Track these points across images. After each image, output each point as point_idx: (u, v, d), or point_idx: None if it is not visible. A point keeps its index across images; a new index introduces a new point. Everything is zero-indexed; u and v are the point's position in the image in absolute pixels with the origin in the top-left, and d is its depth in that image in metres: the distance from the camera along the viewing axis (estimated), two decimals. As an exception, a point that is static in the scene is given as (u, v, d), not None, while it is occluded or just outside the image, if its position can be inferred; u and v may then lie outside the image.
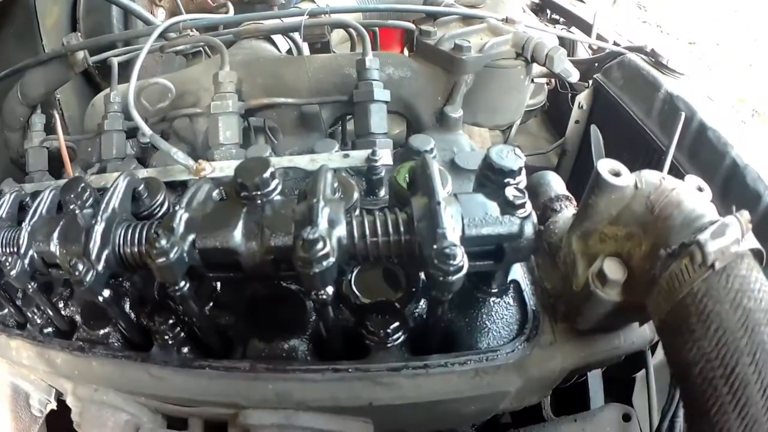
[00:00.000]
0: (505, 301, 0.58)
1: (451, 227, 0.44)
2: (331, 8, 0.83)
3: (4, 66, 1.18)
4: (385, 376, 0.50)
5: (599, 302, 0.49)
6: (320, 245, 0.39)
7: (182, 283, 0.49)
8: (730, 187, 0.84)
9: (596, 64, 1.09)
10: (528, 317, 0.57)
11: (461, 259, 0.41)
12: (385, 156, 0.64)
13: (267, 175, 0.48)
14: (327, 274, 0.41)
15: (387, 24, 0.93)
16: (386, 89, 0.75)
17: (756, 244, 0.41)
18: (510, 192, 0.47)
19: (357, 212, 0.49)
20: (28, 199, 0.68)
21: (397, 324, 0.51)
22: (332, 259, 0.40)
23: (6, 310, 0.72)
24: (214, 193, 0.57)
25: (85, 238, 0.54)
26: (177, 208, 0.52)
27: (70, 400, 0.69)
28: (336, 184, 0.52)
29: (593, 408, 0.84)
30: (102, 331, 0.66)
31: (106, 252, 0.53)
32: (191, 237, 0.49)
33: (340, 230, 0.44)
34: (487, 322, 0.57)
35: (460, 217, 0.46)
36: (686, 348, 0.40)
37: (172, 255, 0.46)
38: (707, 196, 0.48)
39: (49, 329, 0.69)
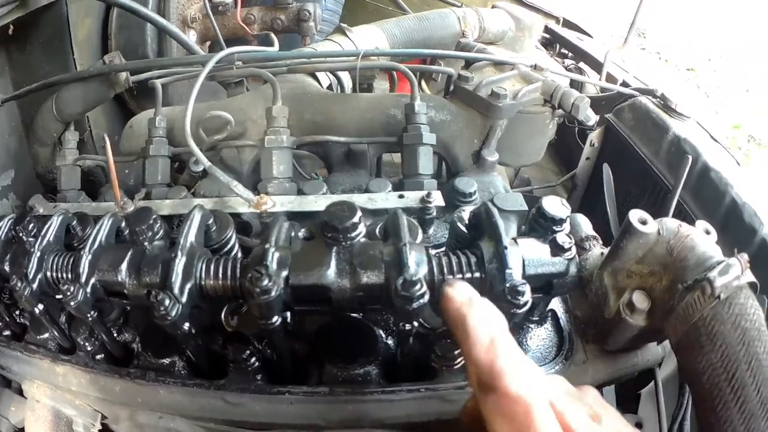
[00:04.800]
0: (545, 327, 0.74)
1: (516, 267, 0.59)
2: (381, 51, 0.98)
3: (31, 75, 1.21)
4: (452, 393, 0.63)
5: (628, 327, 0.64)
6: (418, 286, 0.53)
7: (275, 319, 0.58)
8: (730, 222, 1.00)
9: (603, 102, 1.28)
10: (564, 340, 0.72)
11: (528, 294, 0.56)
12: (437, 198, 0.78)
13: (356, 220, 0.59)
14: (420, 309, 0.54)
15: (430, 69, 1.07)
16: (432, 132, 0.87)
17: (752, 278, 0.57)
18: (561, 238, 0.62)
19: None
20: (75, 222, 0.74)
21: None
22: (428, 297, 0.54)
23: (47, 334, 0.75)
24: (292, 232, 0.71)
25: (164, 271, 0.60)
26: (267, 246, 0.62)
27: (126, 427, 0.74)
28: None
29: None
30: (167, 360, 0.71)
31: (188, 286, 0.59)
32: (284, 274, 0.58)
33: (424, 270, 0.59)
34: (531, 345, 0.72)
35: (521, 259, 0.62)
36: (697, 360, 0.55)
37: (273, 293, 0.54)
38: (713, 239, 0.66)
39: (101, 356, 0.73)
